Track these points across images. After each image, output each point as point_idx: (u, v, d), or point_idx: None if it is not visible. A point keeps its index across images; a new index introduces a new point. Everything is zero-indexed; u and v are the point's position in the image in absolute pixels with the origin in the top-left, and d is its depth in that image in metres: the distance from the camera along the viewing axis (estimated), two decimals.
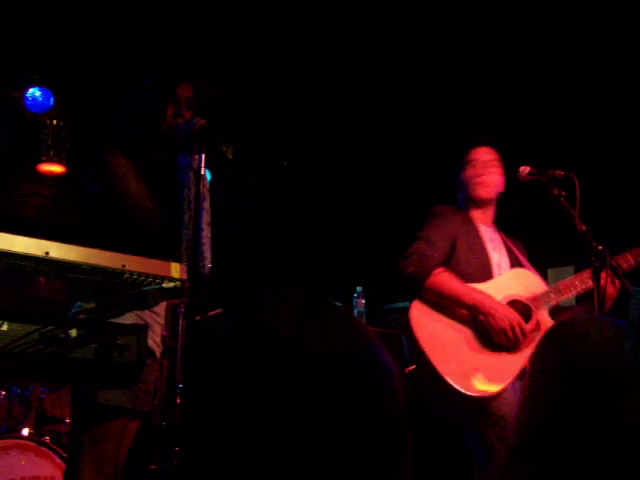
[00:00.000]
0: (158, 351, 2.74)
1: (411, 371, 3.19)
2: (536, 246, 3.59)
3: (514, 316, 3.13)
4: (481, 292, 3.20)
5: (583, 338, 1.30)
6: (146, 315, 2.64)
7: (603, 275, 2.95)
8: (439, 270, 3.18)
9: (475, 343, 3.13)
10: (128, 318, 2.43)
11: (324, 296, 0.98)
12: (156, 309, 2.70)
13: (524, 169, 3.32)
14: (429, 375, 3.07)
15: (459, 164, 3.50)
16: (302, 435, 0.85)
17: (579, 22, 4.76)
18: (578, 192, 3.01)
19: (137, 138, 2.75)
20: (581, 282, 3.27)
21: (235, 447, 0.86)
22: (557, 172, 3.16)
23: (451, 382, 3.01)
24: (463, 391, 3.00)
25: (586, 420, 1.21)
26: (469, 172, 3.45)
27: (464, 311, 3.17)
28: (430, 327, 3.15)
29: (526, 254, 3.51)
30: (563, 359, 1.29)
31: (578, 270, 3.42)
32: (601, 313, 2.90)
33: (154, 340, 2.70)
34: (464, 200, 3.49)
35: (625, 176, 4.88)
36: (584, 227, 3.00)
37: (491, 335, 3.12)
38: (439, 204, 3.48)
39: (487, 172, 3.43)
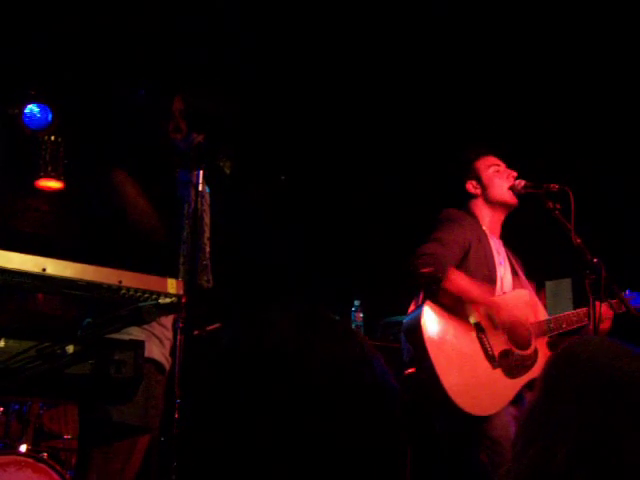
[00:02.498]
0: (167, 366, 2.71)
1: (410, 374, 3.13)
2: (533, 259, 3.60)
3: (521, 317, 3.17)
4: (495, 297, 3.19)
5: (589, 359, 1.30)
6: (156, 330, 2.64)
7: (598, 303, 2.96)
8: (453, 270, 3.09)
9: (478, 359, 3.10)
10: (137, 333, 2.43)
11: (325, 309, 0.99)
12: (166, 324, 2.70)
13: (519, 183, 3.34)
14: (429, 383, 3.02)
15: (472, 168, 3.44)
16: (302, 446, 0.86)
17: (577, 27, 4.78)
18: (573, 205, 3.02)
19: (138, 154, 2.77)
20: (578, 319, 3.26)
21: (237, 458, 0.87)
22: (552, 185, 3.16)
23: (451, 396, 2.97)
24: (461, 407, 2.97)
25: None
26: (495, 177, 3.38)
27: (471, 321, 3.12)
28: (439, 334, 3.07)
29: (524, 269, 3.50)
30: (575, 381, 1.29)
31: (575, 282, 3.43)
32: (597, 332, 2.91)
33: (164, 355, 2.69)
34: (477, 208, 3.42)
35: (620, 189, 4.90)
36: (579, 240, 3.01)
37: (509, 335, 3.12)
38: (449, 208, 3.40)
39: (513, 175, 3.37)
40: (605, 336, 2.90)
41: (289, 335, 0.92)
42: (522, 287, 3.39)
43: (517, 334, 3.19)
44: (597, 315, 2.96)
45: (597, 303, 2.96)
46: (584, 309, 3.22)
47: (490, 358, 3.11)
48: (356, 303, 5.09)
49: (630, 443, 1.17)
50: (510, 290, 3.33)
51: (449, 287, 3.05)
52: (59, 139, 6.11)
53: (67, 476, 3.69)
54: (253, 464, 0.86)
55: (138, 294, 1.82)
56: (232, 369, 0.92)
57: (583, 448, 1.19)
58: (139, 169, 2.71)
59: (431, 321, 3.09)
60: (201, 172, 2.46)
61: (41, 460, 3.72)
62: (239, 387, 0.89)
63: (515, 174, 3.38)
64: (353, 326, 5.02)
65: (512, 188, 3.34)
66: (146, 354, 2.40)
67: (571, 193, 3.05)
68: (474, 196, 3.44)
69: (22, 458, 3.71)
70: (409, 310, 3.31)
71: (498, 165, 3.42)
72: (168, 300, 1.84)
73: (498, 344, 3.15)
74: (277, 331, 0.92)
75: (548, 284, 4.70)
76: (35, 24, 5.11)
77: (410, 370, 3.13)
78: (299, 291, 6.11)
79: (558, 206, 3.11)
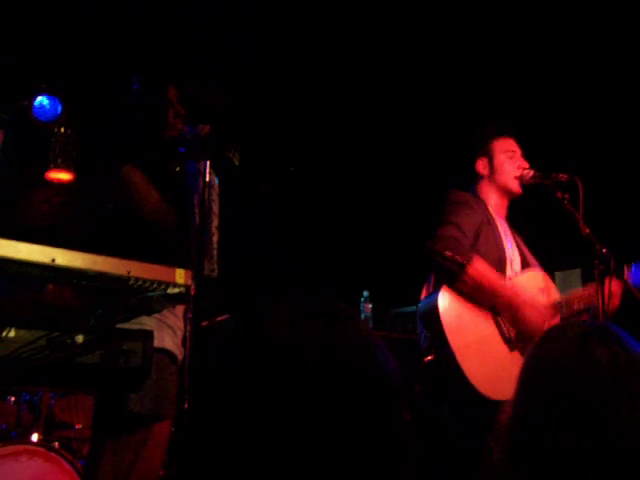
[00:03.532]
0: (180, 356, 2.72)
1: (429, 362, 3.09)
2: (543, 249, 3.59)
3: (542, 316, 3.13)
4: (515, 290, 3.15)
5: (547, 342, 1.34)
6: (170, 320, 2.65)
7: (607, 279, 2.93)
8: (477, 257, 3.06)
9: (496, 343, 3.08)
10: (151, 323, 2.45)
11: (324, 297, 0.99)
12: (178, 313, 2.71)
13: (527, 173, 3.32)
14: (450, 370, 2.98)
15: (488, 146, 3.41)
16: (302, 437, 0.86)
17: (581, 22, 4.76)
18: (582, 195, 3.01)
19: (144, 147, 2.78)
20: (589, 299, 3.22)
21: (238, 447, 0.87)
22: (560, 175, 3.15)
23: (473, 382, 2.95)
24: (483, 393, 2.94)
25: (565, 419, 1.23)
26: (506, 163, 3.35)
27: (490, 306, 3.09)
28: (456, 319, 3.03)
29: (529, 249, 3.47)
30: (540, 367, 1.33)
31: (585, 273, 3.41)
32: (605, 317, 2.89)
33: (177, 345, 2.70)
34: (483, 189, 3.40)
35: (628, 179, 4.88)
36: (587, 230, 2.99)
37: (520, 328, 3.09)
38: (457, 190, 3.36)
39: (525, 167, 3.34)
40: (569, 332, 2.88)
41: (289, 324, 0.92)
42: (530, 267, 3.37)
43: (525, 328, 3.15)
44: (607, 292, 2.93)
45: (607, 279, 2.93)
46: (593, 287, 3.13)
47: (508, 341, 3.09)
48: (365, 294, 5.10)
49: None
50: (520, 272, 3.31)
51: (473, 273, 3.01)
52: (69, 131, 6.13)
53: (78, 465, 3.72)
54: (253, 455, 0.86)
55: (147, 284, 1.82)
56: (232, 360, 0.92)
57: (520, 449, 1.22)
58: (147, 162, 2.72)
59: (448, 306, 3.05)
60: (208, 162, 2.46)
61: (52, 449, 3.75)
62: (239, 377, 0.90)
63: (527, 165, 3.36)
64: (362, 317, 5.03)
65: (520, 178, 3.33)
66: (159, 344, 2.43)
67: (580, 183, 3.04)
68: (481, 176, 3.42)
69: (34, 447, 3.74)
70: (422, 296, 3.29)
71: (514, 152, 3.39)
72: (177, 290, 1.85)
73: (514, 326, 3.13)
74: (276, 320, 0.93)
75: (557, 275, 4.68)
76: (44, 17, 5.12)
77: (429, 358, 3.08)
78: (308, 282, 6.12)
79: (567, 196, 3.09)
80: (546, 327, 3.09)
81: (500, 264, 3.21)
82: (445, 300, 3.06)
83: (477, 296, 3.07)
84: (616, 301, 3.13)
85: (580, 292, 3.28)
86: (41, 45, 5.31)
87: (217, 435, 0.89)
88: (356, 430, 0.88)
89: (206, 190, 2.45)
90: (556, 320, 3.22)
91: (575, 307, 3.24)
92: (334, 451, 0.86)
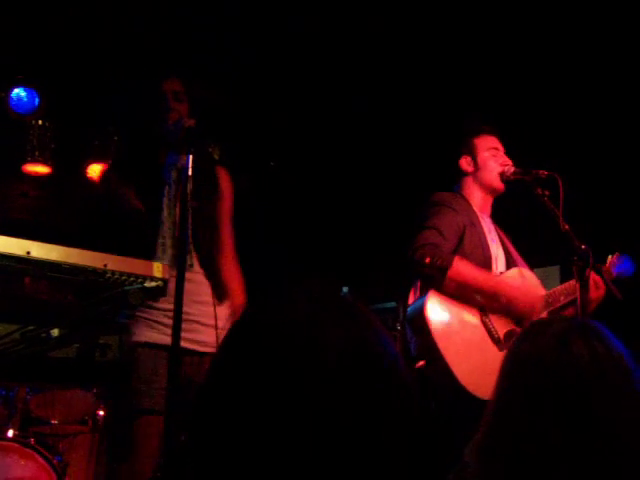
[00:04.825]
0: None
1: (421, 367, 3.07)
2: (521, 246, 3.61)
3: (533, 299, 3.16)
4: (500, 280, 3.18)
5: (527, 337, 1.35)
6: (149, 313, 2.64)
7: (587, 272, 2.95)
8: (457, 258, 3.08)
9: (485, 344, 3.09)
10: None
11: (338, 292, 0.97)
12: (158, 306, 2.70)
13: (509, 169, 3.35)
14: (440, 373, 2.99)
15: (471, 144, 3.44)
16: (316, 427, 0.84)
17: (561, 21, 4.78)
18: (562, 192, 3.02)
19: (133, 136, 2.76)
20: (575, 289, 3.15)
21: (249, 441, 0.85)
22: (541, 172, 3.16)
23: (464, 384, 2.95)
24: (475, 394, 2.94)
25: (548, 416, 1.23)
26: (489, 160, 3.39)
27: (476, 307, 3.12)
28: (444, 324, 3.05)
29: (514, 245, 3.50)
30: (520, 361, 1.33)
31: (563, 270, 3.42)
32: (584, 315, 2.90)
33: (158, 334, 2.68)
34: (467, 186, 3.44)
35: (609, 176, 4.92)
36: (567, 226, 3.00)
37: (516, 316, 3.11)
38: (439, 191, 3.38)
39: (508, 164, 3.37)
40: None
41: (306, 315, 0.90)
42: (515, 264, 3.39)
43: (519, 313, 3.18)
44: (592, 284, 3.00)
45: (590, 272, 2.96)
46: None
47: (496, 341, 3.11)
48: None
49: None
50: (504, 269, 3.34)
51: (455, 276, 3.04)
52: (46, 123, 6.06)
53: (54, 461, 3.69)
54: (262, 444, 0.84)
55: (123, 278, 1.81)
56: (248, 346, 0.90)
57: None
58: (130, 151, 2.70)
59: (435, 311, 3.07)
60: (190, 157, 2.44)
61: (28, 445, 3.72)
62: (253, 363, 0.88)
63: (509, 162, 3.39)
64: None
65: (501, 174, 3.36)
66: (139, 339, 2.40)
67: (560, 179, 3.06)
68: (465, 173, 3.46)
69: (9, 443, 3.70)
70: (409, 301, 3.29)
71: (497, 149, 3.42)
72: (154, 284, 1.83)
73: (502, 326, 3.15)
74: (294, 313, 0.91)
75: (536, 272, 4.69)
76: (22, 8, 5.06)
77: (420, 363, 3.07)
78: (287, 277, 6.11)
79: (547, 192, 3.11)
80: (536, 317, 3.14)
81: (485, 264, 3.24)
82: (432, 305, 3.07)
83: (463, 296, 3.10)
84: (601, 291, 3.15)
85: (566, 285, 3.30)
86: (18, 35, 5.24)
87: (227, 436, 0.86)
88: (378, 429, 0.87)
89: (188, 185, 2.43)
90: (545, 314, 3.25)
91: (562, 299, 3.28)
92: (348, 441, 0.85)
